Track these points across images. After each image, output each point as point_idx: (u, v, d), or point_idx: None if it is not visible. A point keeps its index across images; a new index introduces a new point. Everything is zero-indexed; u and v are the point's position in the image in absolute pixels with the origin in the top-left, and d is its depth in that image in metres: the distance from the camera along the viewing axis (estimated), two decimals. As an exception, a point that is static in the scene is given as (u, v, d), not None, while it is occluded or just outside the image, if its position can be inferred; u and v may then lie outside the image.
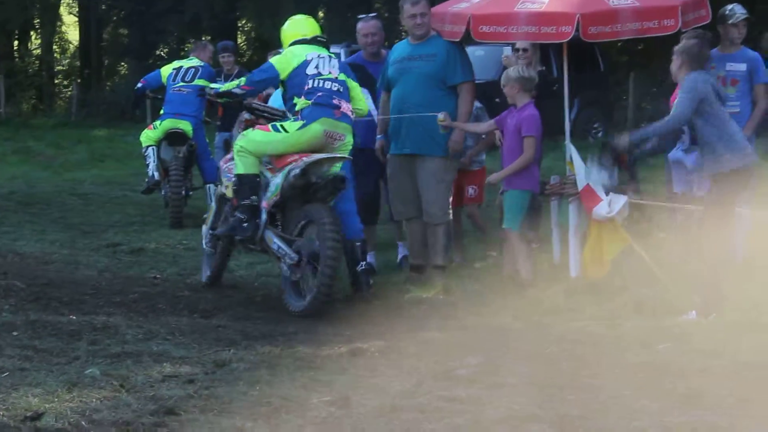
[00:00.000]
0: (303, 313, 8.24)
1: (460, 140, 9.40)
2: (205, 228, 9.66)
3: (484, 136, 10.07)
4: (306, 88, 8.73)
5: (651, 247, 8.82)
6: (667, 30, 9.01)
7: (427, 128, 9.27)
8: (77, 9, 37.22)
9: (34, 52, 39.12)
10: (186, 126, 13.16)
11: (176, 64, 13.79)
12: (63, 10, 37.92)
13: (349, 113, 8.77)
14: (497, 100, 11.12)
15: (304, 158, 8.50)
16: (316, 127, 8.61)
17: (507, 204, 9.09)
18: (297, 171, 8.46)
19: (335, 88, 8.78)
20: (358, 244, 8.81)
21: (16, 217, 13.33)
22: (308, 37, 9.03)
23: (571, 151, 9.11)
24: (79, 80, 34.87)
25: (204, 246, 9.64)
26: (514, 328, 7.82)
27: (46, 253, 10.77)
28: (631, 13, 8.94)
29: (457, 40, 9.30)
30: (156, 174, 13.15)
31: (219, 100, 9.35)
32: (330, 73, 8.84)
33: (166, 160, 13.20)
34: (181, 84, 13.38)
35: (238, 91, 8.90)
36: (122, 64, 37.29)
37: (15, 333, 7.32)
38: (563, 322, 7.91)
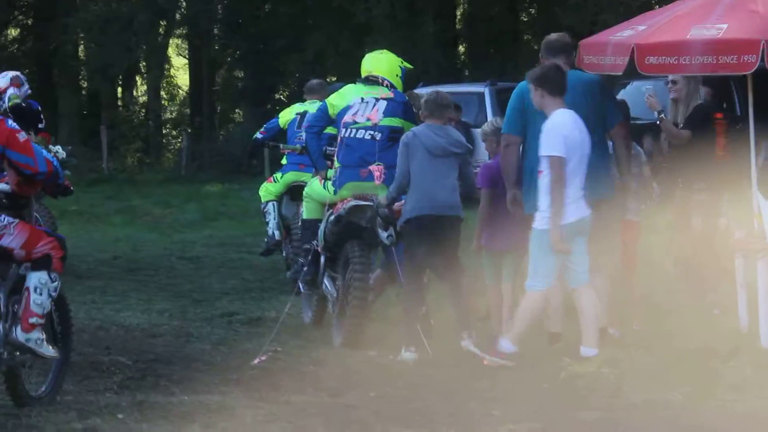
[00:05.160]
0: (341, 346, 9.57)
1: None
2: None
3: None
4: (339, 137, 10.10)
5: None
6: None
7: None
8: (187, 50, 37.88)
9: (139, 99, 39.98)
10: (310, 178, 13.26)
11: (298, 108, 13.80)
12: (171, 51, 38.57)
13: (377, 173, 9.87)
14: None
15: (343, 205, 9.85)
16: (344, 193, 9.99)
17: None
18: (332, 218, 9.94)
19: (368, 137, 9.99)
20: None
21: (121, 285, 13.60)
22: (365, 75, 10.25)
23: (759, 201, 9.00)
24: (189, 130, 35.44)
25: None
26: (689, 407, 7.73)
27: (153, 325, 10.95)
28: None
29: (619, 74, 9.25)
30: (276, 233, 13.24)
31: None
32: (368, 120, 10.02)
33: (287, 217, 13.28)
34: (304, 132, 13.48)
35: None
36: (237, 110, 37.83)
37: (120, 416, 7.46)
38: (750, 399, 7.79)
